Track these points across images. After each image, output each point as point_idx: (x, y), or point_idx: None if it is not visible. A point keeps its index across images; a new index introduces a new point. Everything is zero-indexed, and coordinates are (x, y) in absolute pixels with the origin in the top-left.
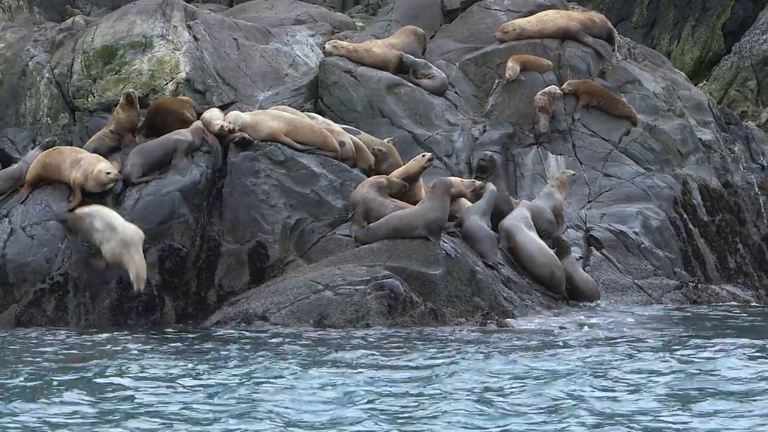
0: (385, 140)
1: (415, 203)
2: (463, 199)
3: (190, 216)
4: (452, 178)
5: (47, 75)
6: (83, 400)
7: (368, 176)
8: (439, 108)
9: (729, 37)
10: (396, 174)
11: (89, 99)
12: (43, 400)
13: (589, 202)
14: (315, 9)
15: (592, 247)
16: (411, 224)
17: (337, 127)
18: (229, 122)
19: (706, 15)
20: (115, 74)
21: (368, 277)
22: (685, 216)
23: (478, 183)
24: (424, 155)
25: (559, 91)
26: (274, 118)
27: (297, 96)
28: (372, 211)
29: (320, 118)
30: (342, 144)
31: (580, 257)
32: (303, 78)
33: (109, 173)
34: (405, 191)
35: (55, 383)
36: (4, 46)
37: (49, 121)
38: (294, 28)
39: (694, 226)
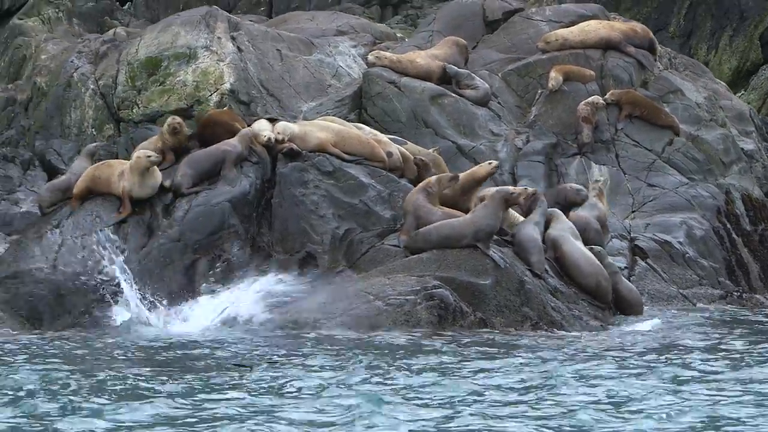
0: (430, 150)
1: (467, 212)
2: (511, 210)
3: (240, 226)
4: (508, 188)
5: (92, 86)
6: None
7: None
8: (482, 118)
9: (766, 47)
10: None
11: (134, 110)
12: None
13: (633, 211)
14: (356, 20)
15: (636, 257)
16: (461, 232)
17: (384, 137)
18: (278, 132)
19: (744, 25)
20: (159, 85)
21: (418, 287)
22: (728, 225)
23: (530, 189)
24: (490, 162)
25: (602, 101)
26: (322, 128)
27: (341, 107)
28: (420, 218)
29: (367, 128)
30: (389, 154)
31: (625, 267)
32: (346, 89)
33: (149, 156)
34: (455, 184)
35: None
36: (47, 58)
37: (94, 132)
38: (336, 39)
39: (737, 236)
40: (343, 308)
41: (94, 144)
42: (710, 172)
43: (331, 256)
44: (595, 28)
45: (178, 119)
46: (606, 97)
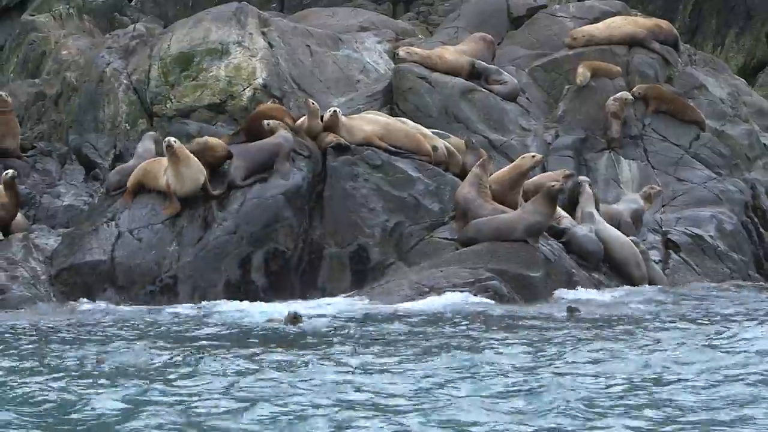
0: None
1: (513, 207)
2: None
3: (294, 219)
4: (550, 182)
5: (125, 81)
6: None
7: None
8: (512, 113)
9: None
10: (504, 172)
11: (167, 105)
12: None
13: (663, 206)
14: (376, 16)
15: (670, 251)
16: (512, 227)
17: (428, 131)
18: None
19: (750, 22)
20: (192, 80)
21: (472, 279)
22: (755, 219)
23: (565, 171)
24: (533, 155)
25: (630, 97)
26: (369, 122)
27: (372, 102)
28: (471, 211)
29: (411, 122)
30: (435, 148)
31: (659, 260)
32: (376, 84)
33: (174, 141)
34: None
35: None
36: (71, 53)
37: (128, 127)
38: (361, 35)
39: (764, 230)
40: (399, 300)
41: (157, 131)
42: (736, 167)
43: (381, 249)
44: (620, 25)
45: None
46: (633, 91)
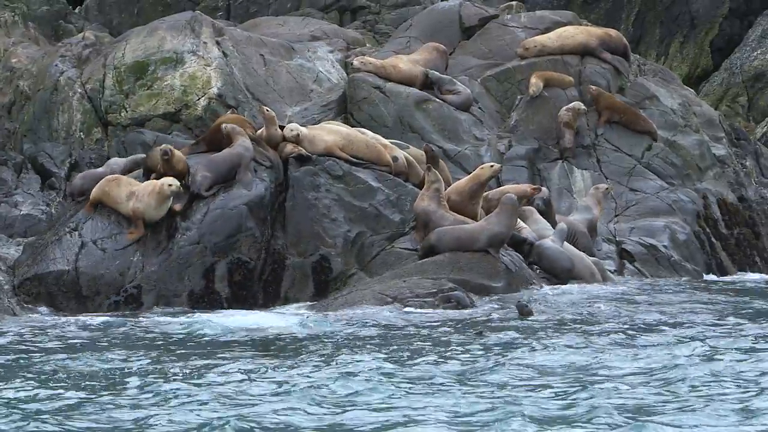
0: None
1: (473, 217)
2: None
3: (257, 229)
4: (513, 195)
5: (79, 90)
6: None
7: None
8: (465, 123)
9: (716, 54)
10: (463, 183)
11: (122, 114)
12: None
13: (616, 215)
14: (327, 26)
15: (624, 261)
16: (474, 237)
17: (387, 142)
18: (291, 130)
19: (694, 32)
20: (147, 89)
21: (435, 290)
22: (707, 230)
23: (530, 187)
24: (492, 165)
25: (583, 107)
26: (330, 132)
27: (326, 111)
28: (432, 222)
29: (371, 133)
30: (395, 159)
31: (614, 270)
32: (330, 93)
33: (171, 185)
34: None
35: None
36: (23, 62)
37: (83, 136)
38: (314, 44)
39: (716, 240)
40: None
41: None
42: (688, 177)
43: (343, 259)
44: (572, 34)
45: (168, 146)
46: (588, 88)
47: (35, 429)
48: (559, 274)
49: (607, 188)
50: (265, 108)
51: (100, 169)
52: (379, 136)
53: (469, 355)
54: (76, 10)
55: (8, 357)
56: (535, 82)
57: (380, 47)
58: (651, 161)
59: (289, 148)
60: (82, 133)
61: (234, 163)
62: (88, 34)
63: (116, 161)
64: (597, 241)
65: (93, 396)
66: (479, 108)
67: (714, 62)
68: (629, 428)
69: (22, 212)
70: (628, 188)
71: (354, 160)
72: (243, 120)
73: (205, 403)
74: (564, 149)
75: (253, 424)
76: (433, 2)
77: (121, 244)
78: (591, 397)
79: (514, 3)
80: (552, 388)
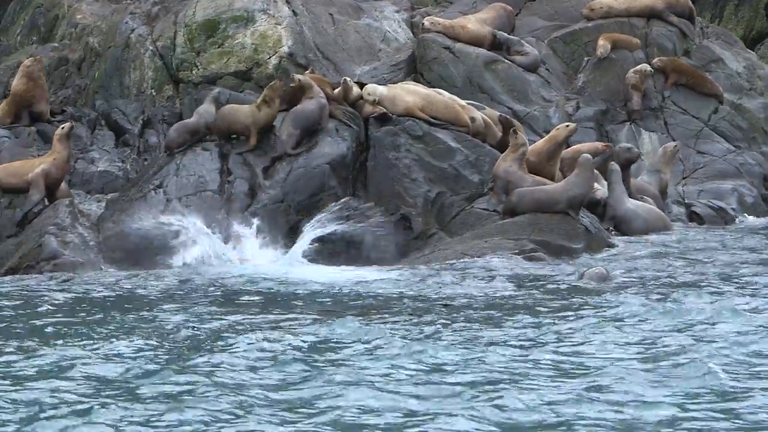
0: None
1: (551, 178)
2: None
3: (339, 188)
4: (589, 155)
5: (150, 48)
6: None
7: (500, 151)
8: (534, 84)
9: None
10: (540, 144)
11: (193, 72)
12: None
13: (684, 178)
14: None
15: (694, 223)
16: (554, 198)
17: (464, 103)
18: (368, 93)
19: None
20: (218, 47)
21: (516, 250)
22: None
23: (602, 144)
24: (567, 125)
25: (650, 69)
26: (409, 92)
27: (396, 71)
28: (512, 184)
29: (447, 94)
30: (472, 119)
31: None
32: (398, 53)
33: None
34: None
35: None
36: (88, 18)
37: (154, 93)
38: (380, 4)
39: None
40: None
41: (218, 90)
42: (754, 140)
43: (424, 219)
44: None
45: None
46: (652, 63)
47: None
48: (634, 233)
49: (675, 146)
50: (345, 78)
51: (191, 120)
52: (455, 97)
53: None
54: None
55: (94, 309)
56: (603, 44)
57: (443, 8)
58: (717, 124)
59: (369, 108)
60: (153, 91)
61: (318, 116)
62: None
63: (205, 109)
64: (667, 203)
65: (186, 350)
66: (546, 69)
67: None
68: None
69: (99, 169)
70: (695, 151)
71: (433, 120)
72: (321, 79)
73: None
74: (632, 111)
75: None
76: None
77: (206, 201)
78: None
79: None
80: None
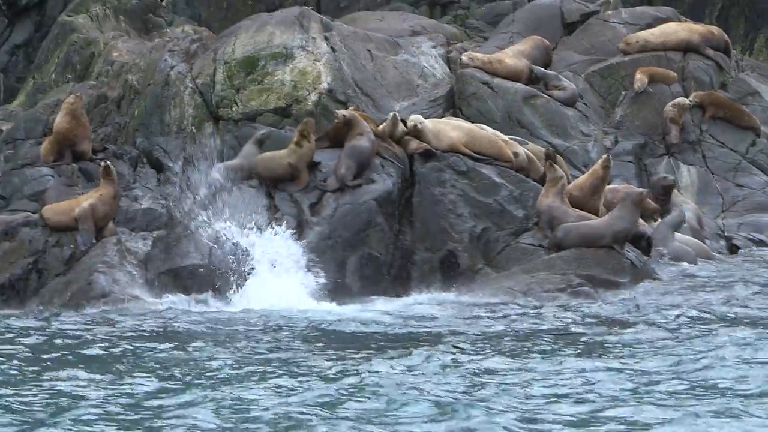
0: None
1: (595, 212)
2: None
3: (386, 224)
4: (637, 189)
5: (190, 85)
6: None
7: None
8: (572, 119)
9: None
10: (583, 179)
11: (233, 109)
12: None
13: (723, 211)
14: (426, 20)
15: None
16: (600, 233)
17: (507, 138)
18: (412, 120)
19: None
20: (258, 84)
21: (563, 285)
22: None
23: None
24: (604, 158)
25: (688, 102)
26: (454, 128)
27: (435, 106)
28: (556, 219)
29: (489, 129)
30: (516, 154)
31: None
32: (436, 89)
33: None
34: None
35: None
36: (124, 56)
37: (194, 130)
38: (416, 39)
39: None
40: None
41: (262, 132)
42: None
43: (470, 254)
44: (675, 30)
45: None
46: (690, 98)
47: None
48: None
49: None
50: (393, 113)
51: (235, 161)
52: (498, 132)
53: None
54: (163, 3)
55: (146, 344)
56: (640, 78)
57: (476, 42)
58: (755, 157)
59: (414, 144)
60: (193, 128)
61: (371, 152)
62: (187, 29)
63: (249, 151)
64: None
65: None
66: (584, 103)
67: None
68: None
69: (142, 206)
70: (734, 184)
71: (477, 156)
72: (366, 115)
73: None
74: (670, 145)
75: None
76: None
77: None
78: None
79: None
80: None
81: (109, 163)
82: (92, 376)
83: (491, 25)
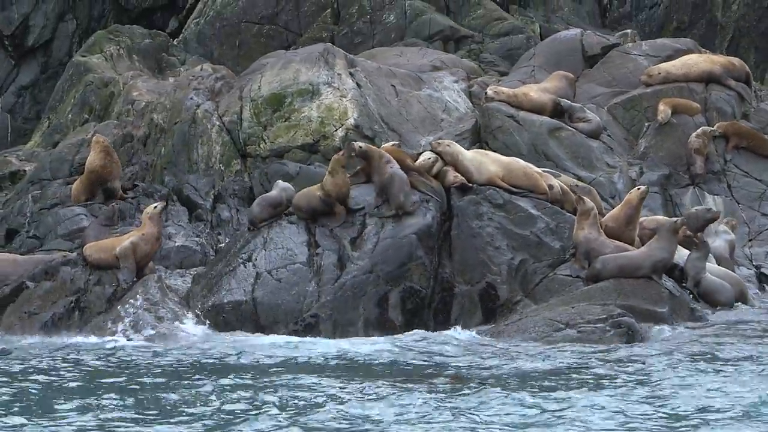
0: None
1: (630, 243)
2: None
3: (426, 258)
4: (671, 219)
5: (217, 123)
6: None
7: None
8: (597, 151)
9: None
10: (617, 210)
11: (261, 146)
12: None
13: (750, 240)
14: (445, 55)
15: (764, 284)
16: (638, 264)
17: (540, 170)
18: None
19: None
20: (285, 121)
21: (604, 316)
22: None
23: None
24: (638, 188)
25: (713, 130)
26: (493, 161)
27: (460, 140)
28: (594, 251)
29: (522, 162)
30: (550, 187)
31: (755, 293)
32: (461, 123)
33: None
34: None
35: None
36: (146, 96)
37: (222, 168)
38: (438, 74)
39: None
40: (537, 336)
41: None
42: None
43: (509, 286)
44: (696, 62)
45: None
46: (713, 129)
47: None
48: (722, 305)
49: (736, 222)
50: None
51: (273, 194)
52: (532, 165)
53: None
54: (175, 42)
55: (198, 375)
56: (664, 109)
57: (494, 76)
58: None
59: (451, 177)
60: (221, 165)
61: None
62: (206, 66)
63: (285, 184)
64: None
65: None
66: (608, 135)
67: None
68: None
69: (176, 244)
70: (759, 213)
71: (513, 189)
72: (402, 151)
73: None
74: (695, 175)
75: None
76: (535, 32)
77: (296, 274)
78: None
79: (629, 32)
80: None
81: (165, 203)
82: (143, 411)
83: (505, 60)
